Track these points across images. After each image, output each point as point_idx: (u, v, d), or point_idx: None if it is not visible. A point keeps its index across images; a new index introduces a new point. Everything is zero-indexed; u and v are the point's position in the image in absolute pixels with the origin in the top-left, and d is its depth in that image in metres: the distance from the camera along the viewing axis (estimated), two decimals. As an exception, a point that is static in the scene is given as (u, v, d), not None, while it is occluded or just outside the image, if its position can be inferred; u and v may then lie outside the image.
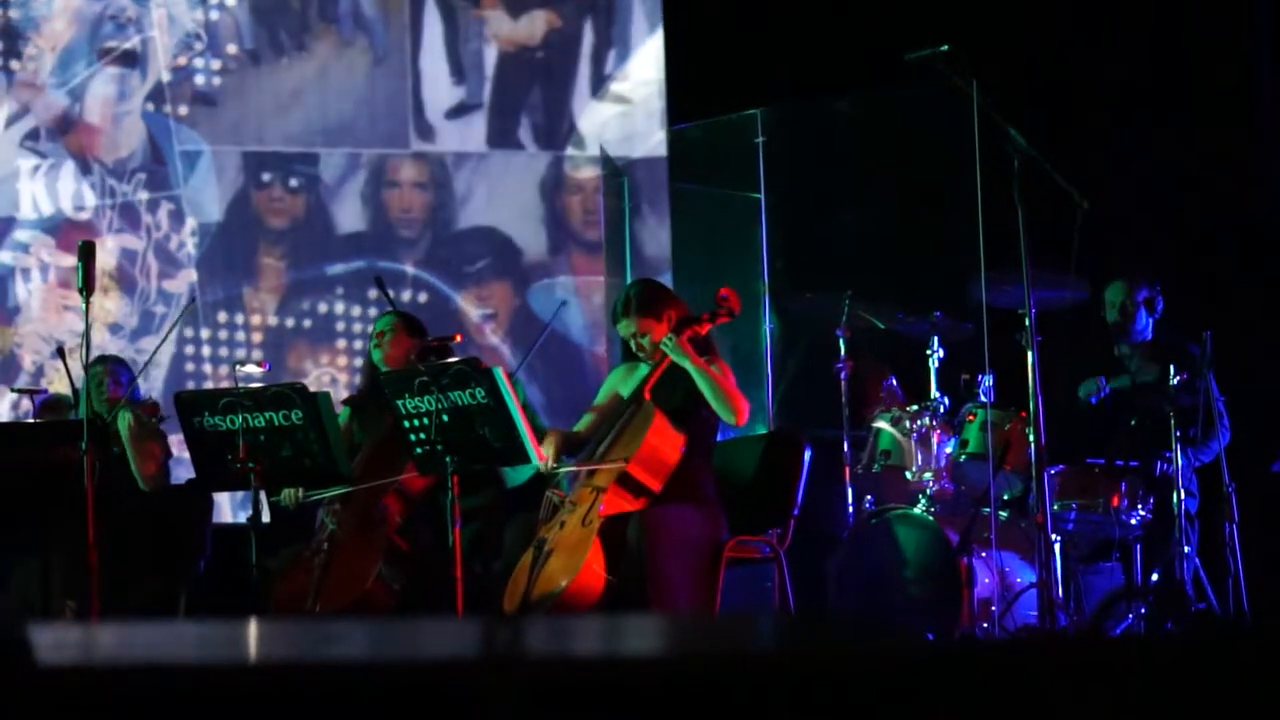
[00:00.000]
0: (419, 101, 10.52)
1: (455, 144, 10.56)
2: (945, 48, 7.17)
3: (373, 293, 9.28)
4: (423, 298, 10.32)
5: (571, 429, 7.60)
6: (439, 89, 10.55)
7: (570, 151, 10.56)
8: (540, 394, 10.06)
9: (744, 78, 10.12)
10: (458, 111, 10.57)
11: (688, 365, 7.10)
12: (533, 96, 10.60)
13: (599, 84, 10.60)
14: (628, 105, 10.58)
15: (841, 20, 9.86)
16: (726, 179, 10.33)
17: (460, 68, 10.57)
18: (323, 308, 10.34)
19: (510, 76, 10.60)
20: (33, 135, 10.29)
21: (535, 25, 10.62)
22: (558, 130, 10.59)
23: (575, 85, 10.60)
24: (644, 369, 7.31)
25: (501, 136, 10.57)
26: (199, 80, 10.39)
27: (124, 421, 7.71)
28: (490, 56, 10.60)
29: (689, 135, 10.45)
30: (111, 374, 8.10)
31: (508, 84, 10.59)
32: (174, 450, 8.05)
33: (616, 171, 10.43)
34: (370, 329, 8.21)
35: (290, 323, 10.33)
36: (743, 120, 10.15)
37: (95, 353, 8.01)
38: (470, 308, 10.43)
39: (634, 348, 7.31)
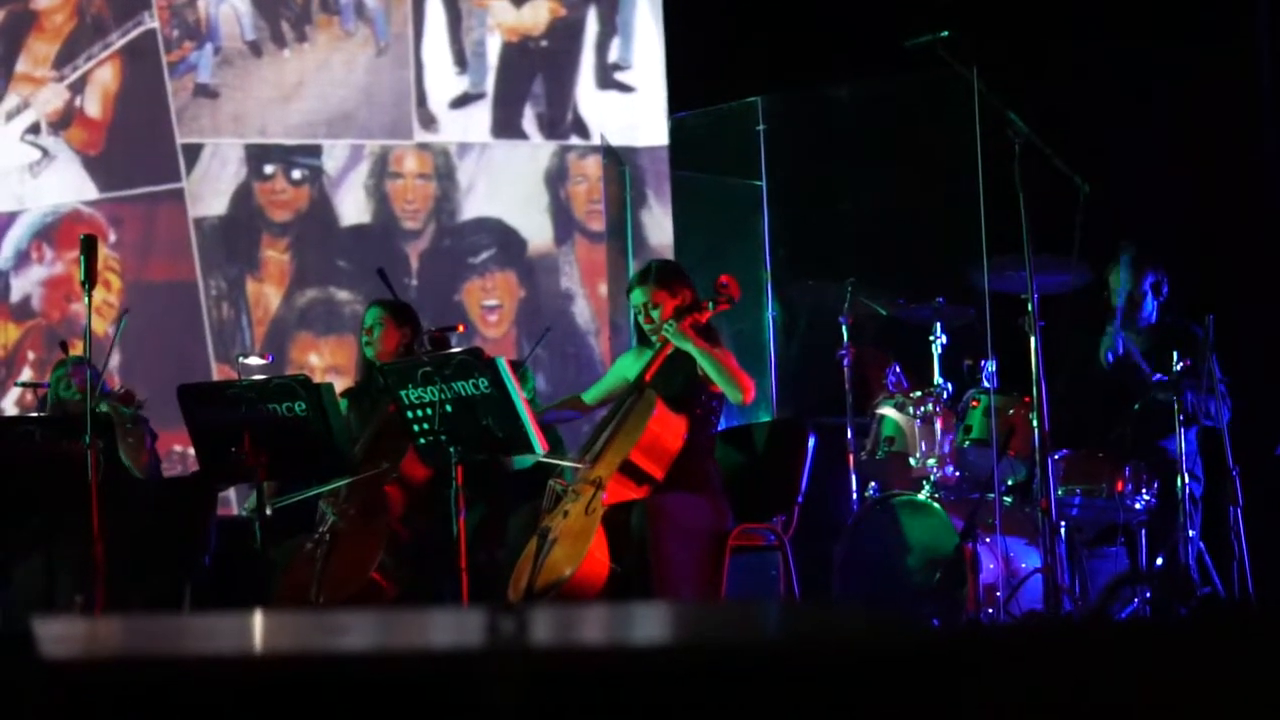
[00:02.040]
0: (422, 92, 10.50)
1: (459, 134, 10.54)
2: (945, 33, 7.17)
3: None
4: (427, 289, 10.31)
5: (577, 395, 7.71)
6: (442, 79, 10.53)
7: (574, 141, 10.54)
8: (545, 383, 10.06)
9: (744, 65, 10.12)
10: (461, 101, 10.55)
11: (690, 348, 7.12)
12: (536, 86, 10.58)
13: (603, 72, 10.58)
14: (632, 93, 10.57)
15: (841, 7, 9.85)
16: (728, 166, 10.32)
17: (463, 57, 10.55)
18: (326, 300, 10.33)
19: (514, 66, 10.57)
20: (33, 129, 10.29)
21: (538, 13, 10.60)
22: (562, 119, 10.57)
23: (579, 74, 10.58)
24: (649, 355, 7.32)
25: (505, 126, 10.55)
26: (200, 72, 10.37)
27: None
28: (493, 46, 10.57)
29: (690, 123, 10.44)
30: (75, 374, 8.06)
31: (511, 73, 10.57)
32: (177, 445, 8.05)
33: (618, 160, 10.42)
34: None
35: (293, 315, 10.32)
36: (743, 108, 10.14)
37: (97, 346, 8.00)
38: (475, 299, 10.42)
39: (641, 319, 7.35)
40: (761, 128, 10.08)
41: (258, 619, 2.95)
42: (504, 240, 10.49)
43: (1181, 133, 9.23)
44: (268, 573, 7.24)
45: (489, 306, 10.45)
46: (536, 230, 10.50)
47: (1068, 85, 9.35)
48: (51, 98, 10.30)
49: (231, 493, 9.86)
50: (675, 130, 10.45)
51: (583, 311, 10.46)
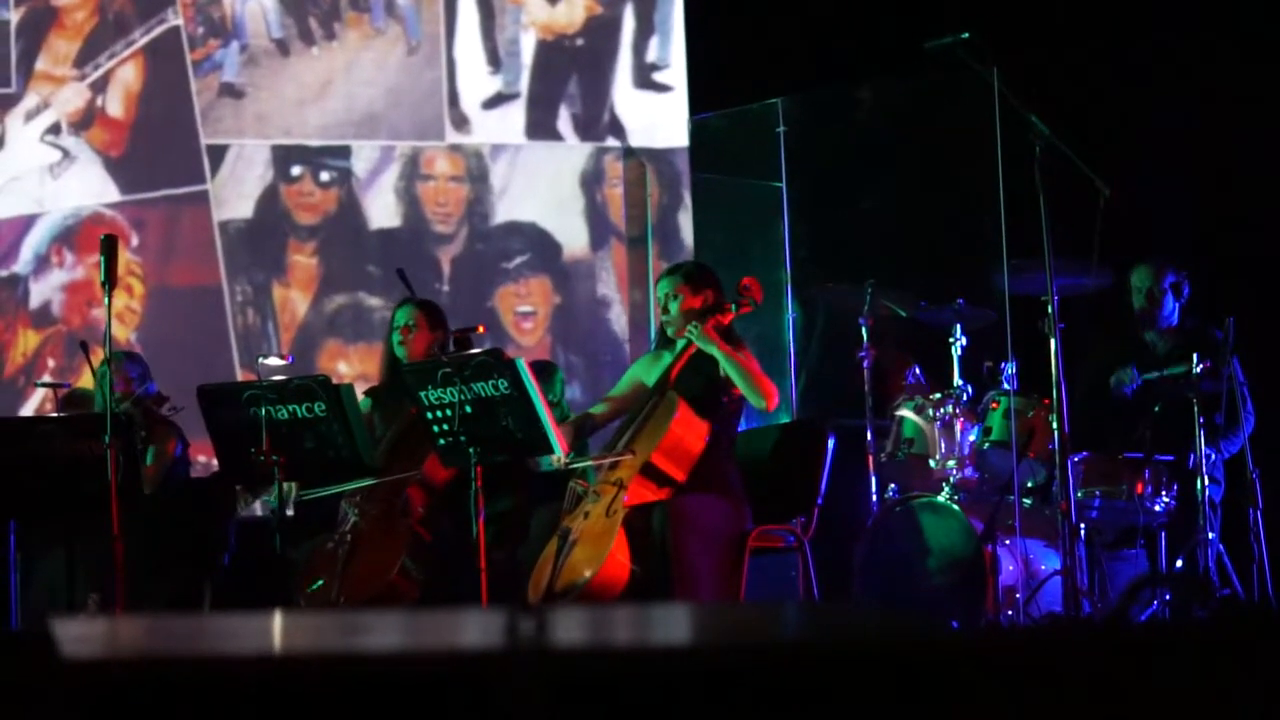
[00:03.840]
0: (454, 91, 10.41)
1: (492, 135, 10.44)
2: (966, 36, 7.17)
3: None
4: (459, 295, 10.23)
5: (587, 411, 7.68)
6: (475, 78, 10.44)
7: (610, 142, 10.46)
8: (581, 392, 10.00)
9: (765, 67, 10.11)
10: (494, 102, 10.45)
11: (714, 351, 7.12)
12: (572, 85, 10.48)
13: (640, 72, 10.50)
14: (670, 94, 10.49)
15: (862, 9, 9.85)
16: (748, 168, 10.31)
17: (497, 56, 10.46)
18: (355, 305, 10.25)
19: (548, 65, 10.47)
20: (54, 129, 10.25)
21: (574, 11, 10.50)
22: (598, 120, 10.48)
23: (615, 74, 10.50)
24: (668, 358, 7.33)
25: (540, 127, 10.46)
26: (225, 71, 10.32)
27: None
28: (528, 44, 10.47)
29: (710, 125, 10.43)
30: (119, 371, 8.09)
31: (546, 73, 10.47)
32: (201, 456, 8.06)
33: (640, 161, 10.39)
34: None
35: (321, 322, 10.26)
36: (764, 109, 10.13)
37: (117, 348, 8.01)
38: (508, 305, 10.34)
39: (661, 308, 7.37)
40: (782, 129, 10.08)
41: (277, 619, 2.96)
42: (538, 244, 10.38)
43: (1203, 135, 9.22)
44: (287, 573, 7.25)
45: (523, 313, 10.36)
46: (572, 234, 10.41)
47: (1088, 87, 9.35)
48: (72, 97, 10.27)
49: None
50: (695, 132, 10.43)
51: (619, 318, 10.37)
